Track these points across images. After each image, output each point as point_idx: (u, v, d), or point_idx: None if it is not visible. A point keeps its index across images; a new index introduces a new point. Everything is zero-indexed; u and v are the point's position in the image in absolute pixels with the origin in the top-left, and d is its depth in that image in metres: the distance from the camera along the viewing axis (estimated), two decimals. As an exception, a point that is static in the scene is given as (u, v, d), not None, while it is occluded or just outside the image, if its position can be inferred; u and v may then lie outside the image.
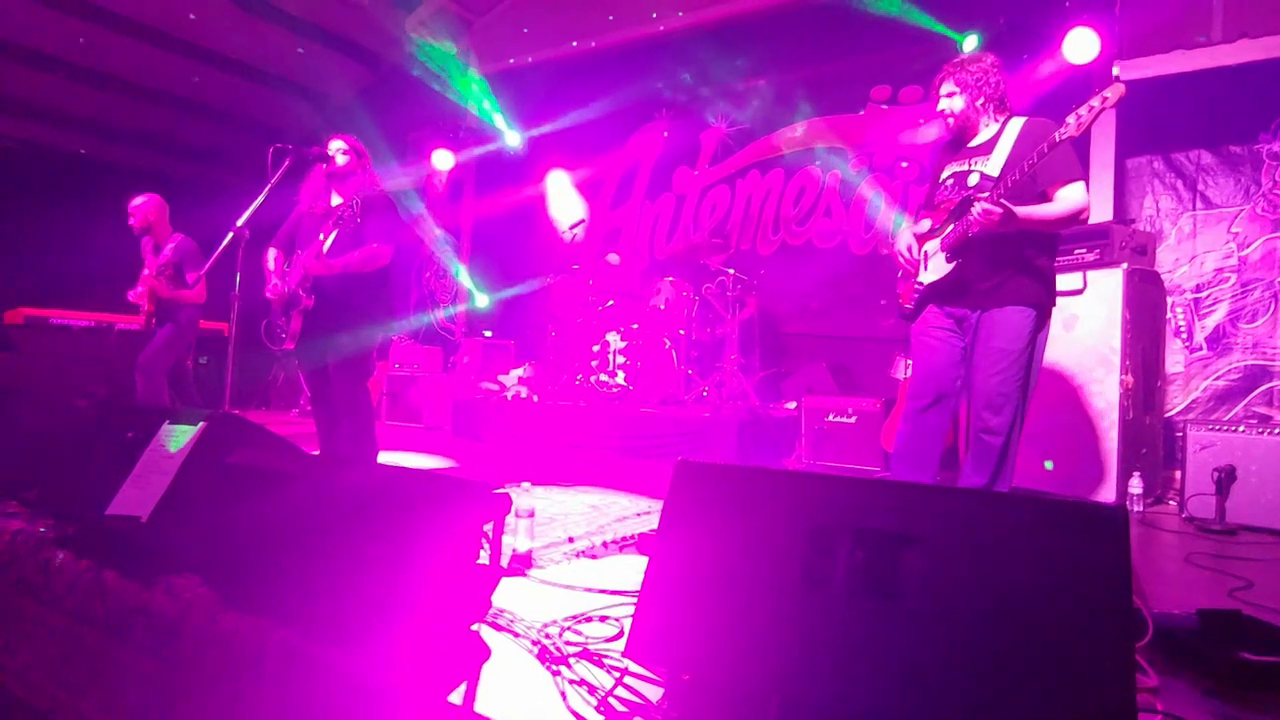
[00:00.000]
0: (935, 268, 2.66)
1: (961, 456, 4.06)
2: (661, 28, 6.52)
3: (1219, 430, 3.34)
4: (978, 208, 2.39)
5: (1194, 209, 4.46)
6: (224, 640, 1.57)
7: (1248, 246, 4.28)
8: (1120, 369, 3.53)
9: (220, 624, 1.58)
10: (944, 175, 2.73)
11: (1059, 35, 4.44)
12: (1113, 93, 2.16)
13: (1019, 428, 2.53)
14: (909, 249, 2.77)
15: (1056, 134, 2.27)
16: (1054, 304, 2.60)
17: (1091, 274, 3.67)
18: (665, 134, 6.98)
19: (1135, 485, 3.45)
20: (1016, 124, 2.58)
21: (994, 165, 2.53)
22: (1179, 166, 4.52)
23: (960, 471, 2.76)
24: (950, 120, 2.68)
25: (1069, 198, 2.44)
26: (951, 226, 2.58)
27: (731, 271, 5.55)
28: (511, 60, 7.48)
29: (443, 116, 7.72)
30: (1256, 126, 4.26)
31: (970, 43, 5.02)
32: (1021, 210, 2.36)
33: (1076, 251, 3.81)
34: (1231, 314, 4.29)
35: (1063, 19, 4.44)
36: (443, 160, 7.62)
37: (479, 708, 1.29)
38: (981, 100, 2.61)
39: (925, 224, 2.78)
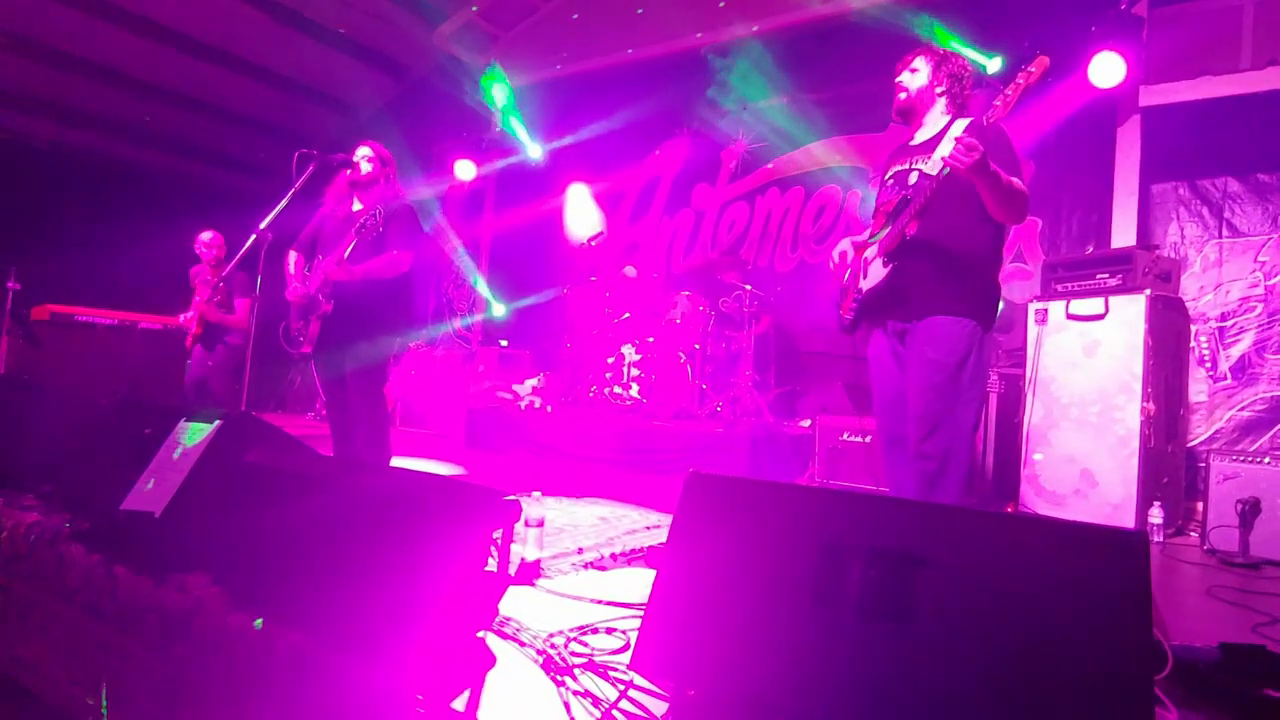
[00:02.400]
0: (873, 274, 2.50)
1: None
2: (685, 44, 6.56)
3: (1243, 461, 3.27)
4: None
5: (1220, 237, 4.40)
6: (232, 639, 1.57)
7: (1275, 276, 4.21)
8: (1142, 396, 3.47)
9: (229, 623, 1.59)
10: (887, 176, 2.61)
11: (1084, 59, 4.41)
12: (1036, 67, 2.08)
13: (961, 455, 2.31)
14: (841, 255, 2.62)
15: (985, 117, 2.17)
16: (995, 320, 2.45)
17: (1113, 299, 3.63)
18: (685, 150, 7.01)
19: (1155, 515, 3.39)
20: (960, 125, 2.44)
21: (933, 165, 2.39)
22: (1205, 193, 4.47)
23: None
24: (901, 95, 2.54)
25: (1015, 181, 2.32)
26: (888, 229, 2.46)
27: (748, 288, 5.54)
28: (536, 74, 7.56)
29: (466, 128, 7.81)
30: (1285, 154, 4.21)
31: (994, 65, 5.01)
32: (993, 164, 2.19)
33: (1098, 276, 3.77)
34: (1258, 344, 4.22)
35: (1088, 43, 4.41)
36: (465, 171, 7.70)
37: (482, 715, 1.28)
38: (942, 89, 2.49)
39: (867, 231, 2.68)
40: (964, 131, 2.39)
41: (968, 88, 2.53)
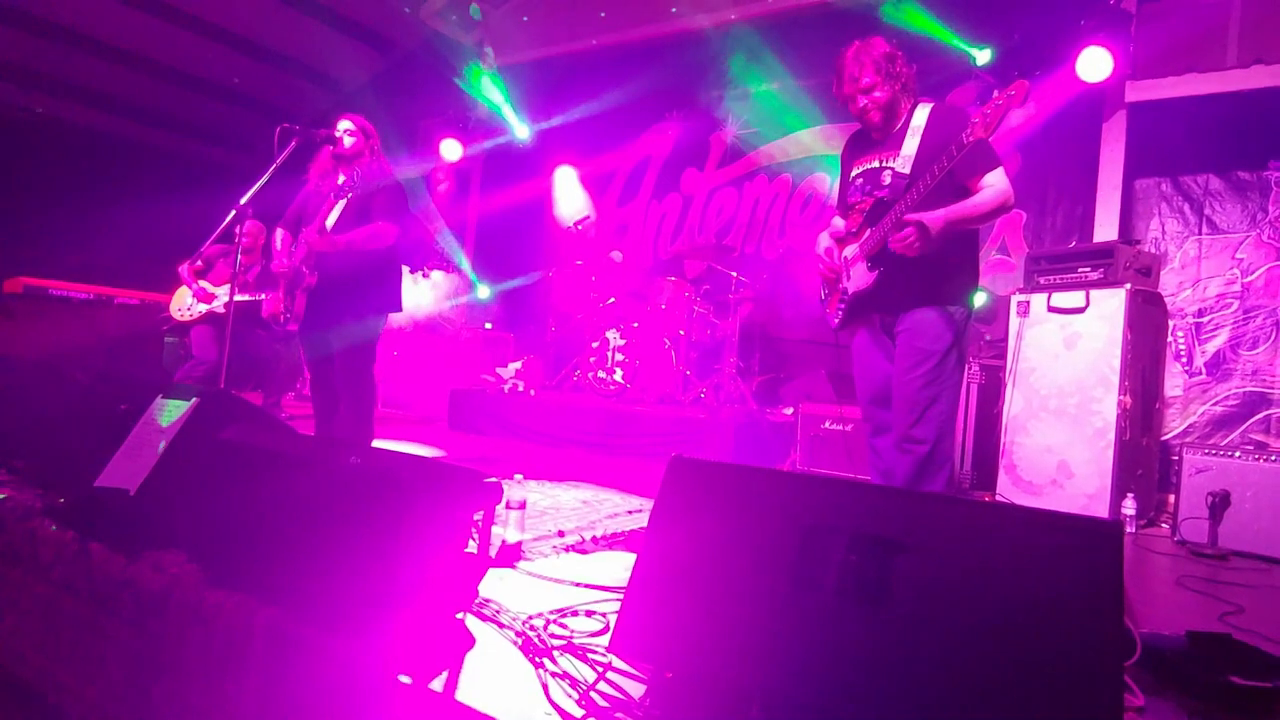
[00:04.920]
0: (858, 277, 2.53)
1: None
2: (676, 27, 6.51)
3: (1215, 455, 3.33)
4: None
5: (1200, 233, 4.45)
6: (208, 617, 1.56)
7: (1252, 273, 4.27)
8: (1119, 389, 3.52)
9: (205, 601, 1.57)
10: (854, 173, 2.60)
11: (1073, 53, 4.43)
12: (1017, 89, 2.08)
13: (948, 437, 2.40)
14: (828, 253, 2.64)
15: (964, 135, 2.15)
16: (973, 303, 2.49)
17: (1094, 293, 3.67)
18: (674, 135, 6.97)
19: (1129, 506, 3.44)
20: (922, 112, 2.45)
21: (903, 162, 2.40)
22: (1187, 190, 4.51)
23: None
24: (875, 116, 2.48)
25: (993, 186, 2.32)
26: (868, 232, 2.46)
27: (735, 274, 5.54)
28: (524, 53, 7.47)
29: (453, 107, 7.70)
30: (1266, 154, 4.26)
31: (983, 57, 5.02)
32: (938, 218, 2.22)
33: (1080, 270, 3.80)
34: (1232, 340, 4.29)
35: (1077, 37, 4.43)
36: (451, 150, 7.60)
37: (460, 696, 1.29)
38: (899, 86, 2.46)
39: (838, 221, 2.68)
40: (928, 117, 2.43)
41: (908, 66, 2.49)
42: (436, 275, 7.63)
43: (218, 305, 4.76)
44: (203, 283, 4.84)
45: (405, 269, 7.11)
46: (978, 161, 2.31)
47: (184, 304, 4.94)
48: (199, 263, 4.88)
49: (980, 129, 2.12)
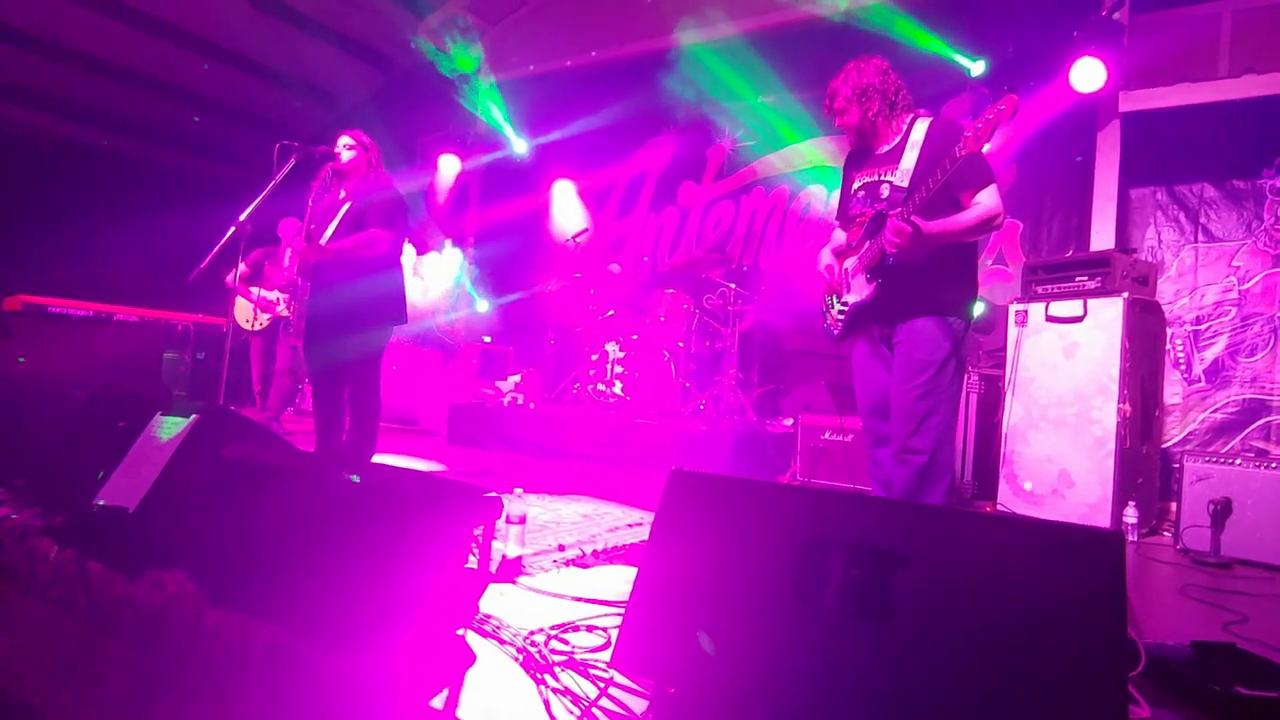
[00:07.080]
0: (857, 289, 2.56)
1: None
2: (672, 42, 6.56)
3: (1216, 463, 3.33)
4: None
5: (1196, 241, 4.47)
6: (208, 636, 1.55)
7: (1248, 281, 4.28)
8: (1118, 398, 3.52)
9: (205, 619, 1.56)
10: (855, 186, 2.64)
11: (1066, 64, 4.46)
12: (1006, 104, 2.11)
13: (947, 447, 2.42)
14: (829, 270, 2.67)
15: (957, 149, 2.18)
16: (972, 314, 2.52)
17: (1092, 302, 3.68)
18: (671, 148, 7.01)
19: (1130, 515, 3.44)
20: (921, 127, 2.49)
21: (902, 175, 2.44)
22: (1182, 199, 4.54)
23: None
24: (852, 135, 2.60)
25: (982, 203, 2.36)
26: (868, 244, 2.50)
27: (733, 286, 5.55)
28: (522, 69, 7.53)
29: (451, 122, 7.76)
30: (1260, 162, 4.28)
31: (978, 68, 5.06)
32: (933, 225, 2.29)
33: (1077, 279, 3.81)
34: (1230, 347, 4.30)
35: (1070, 48, 4.47)
36: (449, 165, 7.64)
37: (461, 713, 1.28)
38: (874, 110, 2.52)
39: (839, 234, 2.71)
40: (926, 132, 2.46)
41: (894, 85, 2.53)
42: (449, 254, 7.61)
43: (281, 309, 4.81)
44: (257, 290, 4.85)
45: (408, 269, 7.12)
46: (969, 176, 2.34)
47: (248, 315, 4.96)
48: (246, 269, 4.90)
49: (972, 143, 2.15)
